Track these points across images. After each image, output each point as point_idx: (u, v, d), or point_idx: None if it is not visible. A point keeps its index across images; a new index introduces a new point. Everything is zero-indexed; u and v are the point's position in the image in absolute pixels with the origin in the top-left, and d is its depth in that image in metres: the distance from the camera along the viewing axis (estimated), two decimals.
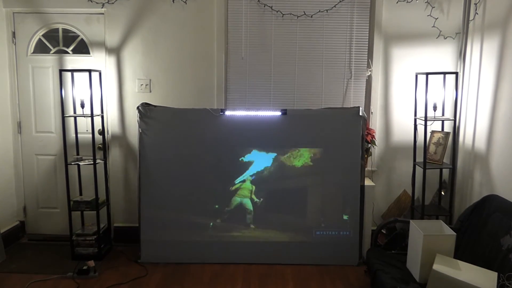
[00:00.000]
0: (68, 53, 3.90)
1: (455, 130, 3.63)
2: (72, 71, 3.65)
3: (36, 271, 3.38)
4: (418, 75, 3.52)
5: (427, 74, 3.36)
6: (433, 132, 3.63)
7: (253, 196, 3.55)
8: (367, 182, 3.62)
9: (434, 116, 3.57)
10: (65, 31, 3.89)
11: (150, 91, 3.88)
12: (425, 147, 3.45)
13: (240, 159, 3.54)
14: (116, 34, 3.82)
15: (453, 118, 3.56)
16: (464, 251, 2.81)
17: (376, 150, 3.90)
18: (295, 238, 3.55)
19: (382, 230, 3.70)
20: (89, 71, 3.48)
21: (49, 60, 3.89)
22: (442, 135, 3.56)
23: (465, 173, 3.60)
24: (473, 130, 3.47)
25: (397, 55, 3.81)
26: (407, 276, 2.69)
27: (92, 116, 3.54)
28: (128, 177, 3.98)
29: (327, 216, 3.53)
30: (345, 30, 3.81)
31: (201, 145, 3.55)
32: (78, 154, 3.79)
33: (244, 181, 3.55)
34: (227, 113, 3.54)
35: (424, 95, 3.38)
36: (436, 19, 3.72)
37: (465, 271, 2.42)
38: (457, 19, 3.71)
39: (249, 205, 3.56)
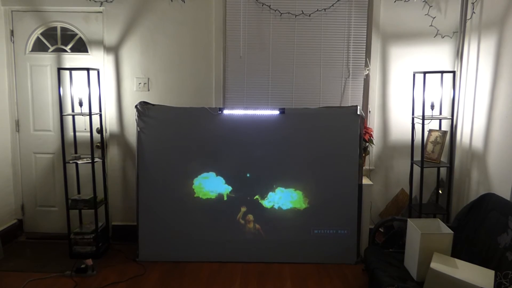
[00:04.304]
0: (66, 51, 3.90)
1: (453, 129, 3.65)
2: (70, 69, 3.65)
3: (34, 270, 3.38)
4: (416, 74, 3.53)
5: (425, 73, 3.37)
6: (430, 131, 3.64)
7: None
8: (365, 180, 3.63)
9: (432, 115, 3.59)
10: (64, 29, 3.89)
11: (149, 90, 3.88)
12: (423, 146, 3.46)
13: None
14: (114, 32, 3.82)
15: (450, 117, 3.58)
16: (461, 250, 2.82)
17: (374, 149, 3.91)
18: (293, 237, 3.55)
19: (380, 229, 3.71)
20: (87, 69, 3.48)
21: (47, 59, 3.89)
22: (439, 134, 3.57)
23: (462, 171, 3.61)
24: (471, 129, 3.48)
25: (394, 54, 3.82)
26: (405, 275, 2.70)
27: (90, 114, 3.53)
28: (126, 175, 3.98)
29: (325, 215, 3.54)
30: (343, 29, 3.82)
31: (200, 144, 3.55)
32: (76, 152, 3.79)
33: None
34: (226, 112, 3.55)
35: (421, 94, 3.39)
36: (434, 18, 3.73)
37: (463, 269, 2.43)
38: (455, 18, 3.72)
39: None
